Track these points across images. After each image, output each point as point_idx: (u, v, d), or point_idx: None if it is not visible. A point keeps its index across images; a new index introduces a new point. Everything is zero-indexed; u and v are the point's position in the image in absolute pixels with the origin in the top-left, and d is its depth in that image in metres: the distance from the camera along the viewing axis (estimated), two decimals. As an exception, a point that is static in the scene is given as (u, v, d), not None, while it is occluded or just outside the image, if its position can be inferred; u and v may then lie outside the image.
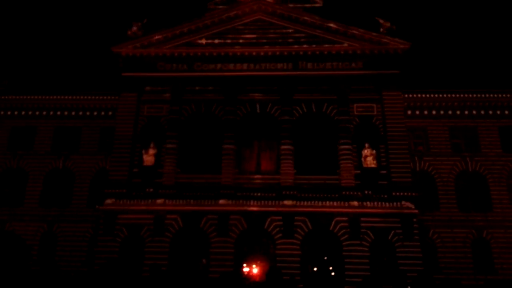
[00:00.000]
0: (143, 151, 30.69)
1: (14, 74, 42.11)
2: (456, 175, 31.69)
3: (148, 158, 30.33)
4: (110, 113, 33.49)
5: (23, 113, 35.26)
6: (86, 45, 69.07)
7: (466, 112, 33.05)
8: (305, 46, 31.84)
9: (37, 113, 35.07)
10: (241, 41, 32.44)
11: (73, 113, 34.76)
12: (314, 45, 31.80)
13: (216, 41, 32.54)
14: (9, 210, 32.88)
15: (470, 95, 33.12)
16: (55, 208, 32.72)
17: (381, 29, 31.56)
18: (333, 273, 28.00)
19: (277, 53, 31.79)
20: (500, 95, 33.04)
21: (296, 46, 31.89)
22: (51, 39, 69.44)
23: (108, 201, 29.10)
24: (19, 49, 67.05)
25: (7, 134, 35.01)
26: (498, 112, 32.94)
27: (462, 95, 33.19)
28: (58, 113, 35.00)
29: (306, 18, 32.26)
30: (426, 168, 31.92)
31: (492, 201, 30.86)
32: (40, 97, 35.26)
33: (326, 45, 31.73)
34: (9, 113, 35.32)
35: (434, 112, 33.19)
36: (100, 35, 67.98)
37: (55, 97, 35.15)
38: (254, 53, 31.92)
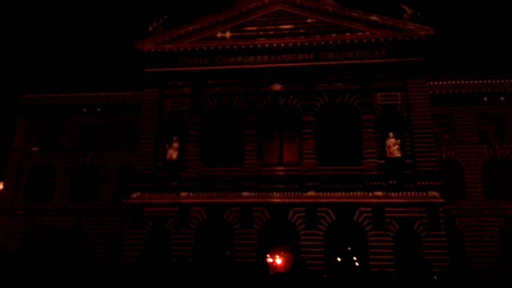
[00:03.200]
0: (167, 145, 31.13)
1: (40, 72, 43.27)
2: (484, 163, 30.94)
3: (172, 152, 30.77)
4: (134, 108, 33.99)
5: (50, 110, 36.23)
6: (110, 42, 70.26)
7: (494, 99, 32.13)
8: (326, 35, 31.52)
9: (63, 110, 36.01)
10: (261, 33, 32.37)
11: (99, 109, 35.53)
12: (335, 35, 31.45)
13: (237, 33, 32.57)
14: (39, 205, 33.97)
15: (498, 81, 32.20)
16: (83, 203, 33.63)
17: (404, 15, 30.91)
18: (357, 264, 27.88)
19: (298, 44, 31.60)
20: (529, 80, 31.97)
21: (317, 36, 31.59)
22: (75, 37, 70.89)
23: (134, 195, 29.69)
24: (44, 48, 68.73)
25: (35, 131, 36.09)
26: (528, 98, 31.86)
27: (489, 81, 32.29)
28: (84, 109, 35.85)
29: (326, 7, 31.90)
30: (453, 157, 31.28)
31: (521, 189, 30.06)
32: (66, 94, 36.20)
33: (348, 34, 31.34)
34: (37, 111, 36.38)
35: (460, 99, 32.39)
36: (123, 33, 69.01)
37: (80, 94, 36.02)
38: (274, 45, 31.82)
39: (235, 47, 32.15)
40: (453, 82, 32.61)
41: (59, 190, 34.33)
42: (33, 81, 37.51)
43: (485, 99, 32.19)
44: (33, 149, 35.32)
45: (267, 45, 31.89)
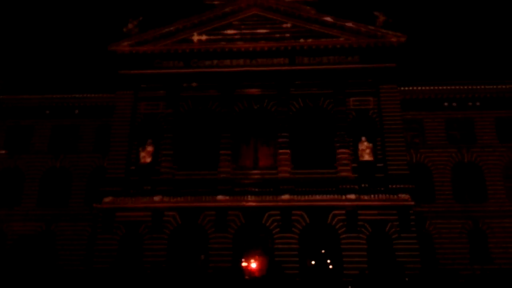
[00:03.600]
0: (140, 149, 30.66)
1: (10, 73, 41.94)
2: (452, 167, 31.78)
3: (145, 155, 30.30)
4: (106, 111, 33.32)
5: (19, 112, 35.11)
6: (82, 44, 68.88)
7: (462, 104, 33.11)
8: (301, 40, 31.83)
9: (33, 112, 34.93)
10: (237, 36, 32.41)
11: (70, 112, 34.62)
12: (310, 40, 31.79)
13: (212, 37, 32.49)
14: (6, 211, 32.82)
15: (466, 87, 33.16)
16: (53, 208, 32.68)
17: (377, 22, 31.59)
18: (331, 266, 28.13)
19: (274, 48, 31.78)
20: (496, 86, 33.09)
21: (292, 41, 31.83)
22: (46, 38, 69.17)
23: (106, 199, 29.13)
24: (14, 48, 66.79)
25: (3, 133, 34.91)
26: (494, 103, 32.97)
27: (458, 87, 33.22)
28: (55, 112, 34.87)
29: (301, 12, 32.24)
30: (422, 160, 32.04)
31: (488, 192, 31.00)
32: (36, 96, 35.11)
33: (323, 39, 31.74)
34: (5, 112, 35.22)
35: (430, 105, 33.21)
36: (96, 33, 67.75)
37: (51, 96, 34.99)
38: (250, 49, 31.88)
39: (210, 50, 32.11)
40: (423, 88, 33.41)
41: (28, 194, 33.25)
42: (1, 82, 36.31)
43: (454, 104, 33.13)
44: (1, 151, 34.16)
45: (242, 49, 31.96)
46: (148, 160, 30.25)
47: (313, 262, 28.55)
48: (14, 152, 34.37)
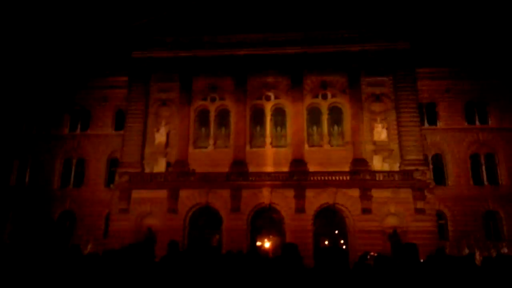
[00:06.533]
0: (155, 130, 30.94)
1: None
2: (468, 148, 31.49)
3: (160, 136, 30.61)
4: (122, 93, 33.32)
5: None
6: (96, 25, 68.53)
7: (478, 86, 32.50)
8: (316, 24, 31.18)
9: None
10: (252, 20, 31.67)
11: (86, 94, 34.64)
12: (325, 22, 31.18)
13: (227, 21, 31.86)
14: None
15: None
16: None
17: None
18: (344, 246, 28.29)
19: (288, 32, 31.19)
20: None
21: (307, 25, 31.20)
22: (60, 21, 68.92)
23: (123, 179, 29.35)
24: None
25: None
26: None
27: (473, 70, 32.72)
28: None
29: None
30: (437, 142, 31.67)
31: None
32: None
33: (338, 22, 31.14)
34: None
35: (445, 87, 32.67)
36: (111, 14, 67.27)
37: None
38: (264, 34, 31.28)
39: (224, 35, 31.47)
40: (440, 69, 33.03)
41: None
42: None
43: (468, 87, 32.55)
44: None
45: (257, 34, 31.34)
46: (163, 140, 30.51)
47: (326, 242, 28.72)
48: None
